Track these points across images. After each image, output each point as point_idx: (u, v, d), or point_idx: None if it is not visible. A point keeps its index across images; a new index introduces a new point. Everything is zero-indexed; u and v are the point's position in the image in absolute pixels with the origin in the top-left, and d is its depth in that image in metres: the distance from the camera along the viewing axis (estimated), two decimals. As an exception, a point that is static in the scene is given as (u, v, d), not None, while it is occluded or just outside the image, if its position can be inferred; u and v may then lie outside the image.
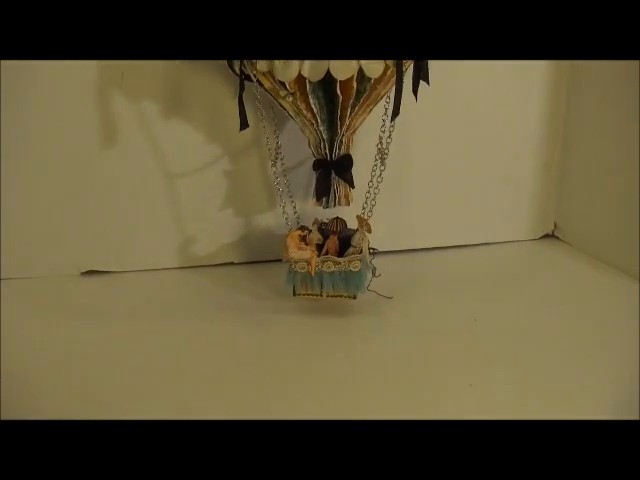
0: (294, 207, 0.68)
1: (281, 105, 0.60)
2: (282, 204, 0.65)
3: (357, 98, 0.57)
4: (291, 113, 0.60)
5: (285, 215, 0.65)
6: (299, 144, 0.65)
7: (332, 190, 0.61)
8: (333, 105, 0.58)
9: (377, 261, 0.64)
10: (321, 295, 0.63)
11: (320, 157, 0.61)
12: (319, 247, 0.63)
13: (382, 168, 0.60)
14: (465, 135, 0.78)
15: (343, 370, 0.55)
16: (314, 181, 0.62)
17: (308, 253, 0.61)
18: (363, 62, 0.53)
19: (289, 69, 0.54)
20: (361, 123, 0.61)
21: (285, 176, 0.66)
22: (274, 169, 0.64)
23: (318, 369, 0.55)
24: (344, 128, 0.59)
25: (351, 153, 0.62)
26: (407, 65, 0.57)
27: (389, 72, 0.55)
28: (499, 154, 0.79)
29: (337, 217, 0.64)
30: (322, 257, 0.62)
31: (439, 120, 0.76)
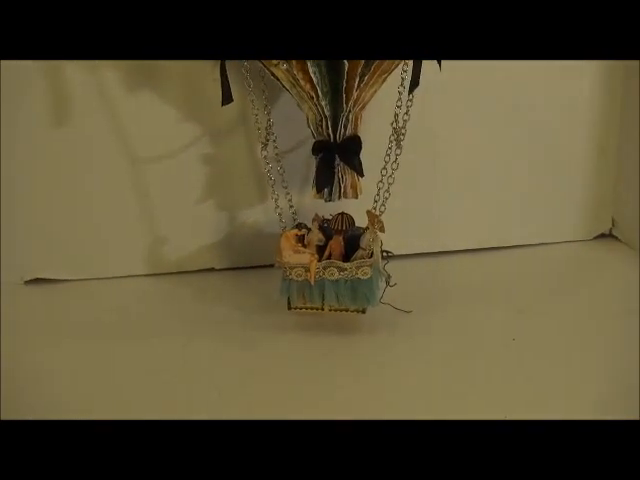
0: (289, 200, 0.68)
1: (273, 74, 0.59)
2: (274, 196, 0.64)
3: (367, 65, 0.57)
4: (285, 84, 0.59)
5: (278, 210, 0.64)
6: (295, 122, 0.64)
7: (336, 179, 0.61)
8: (337, 74, 0.57)
9: (392, 267, 0.64)
10: (322, 309, 0.63)
11: (321, 138, 0.61)
12: (320, 249, 0.63)
13: (398, 152, 0.61)
14: (501, 113, 0.76)
15: (350, 403, 0.54)
16: (314, 168, 0.62)
17: (307, 257, 0.61)
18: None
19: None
20: (372, 96, 0.60)
21: (278, 162, 0.66)
22: (265, 153, 0.63)
23: (319, 401, 0.55)
24: (351, 103, 0.59)
25: (360, 133, 0.61)
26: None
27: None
28: (545, 138, 0.78)
29: (342, 213, 0.63)
30: (324, 262, 0.61)
31: (470, 94, 0.75)
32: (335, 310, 0.63)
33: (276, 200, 0.64)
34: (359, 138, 0.61)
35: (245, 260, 0.79)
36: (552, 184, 0.79)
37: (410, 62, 0.57)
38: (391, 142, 0.61)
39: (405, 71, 0.59)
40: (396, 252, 0.65)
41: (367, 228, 0.62)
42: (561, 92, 0.76)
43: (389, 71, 0.59)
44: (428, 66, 0.56)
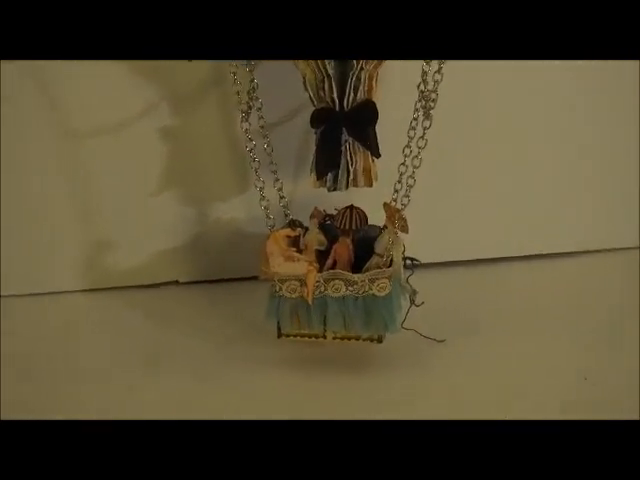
0: (279, 189, 0.66)
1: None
2: (259, 184, 0.63)
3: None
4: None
5: (264, 203, 0.63)
6: (288, 84, 0.63)
7: (343, 161, 0.60)
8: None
9: (418, 280, 0.63)
10: (324, 337, 0.63)
11: (323, 105, 0.59)
12: (322, 256, 0.62)
13: (427, 124, 0.59)
14: (558, 106, 0.77)
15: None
16: (313, 146, 0.61)
17: (303, 266, 0.60)
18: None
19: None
20: (391, 50, 0.60)
21: (265, 137, 0.64)
22: (246, 126, 0.62)
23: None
24: (363, 58, 0.57)
25: (375, 99, 0.60)
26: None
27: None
28: (610, 137, 0.79)
29: (351, 206, 0.62)
30: (326, 273, 0.60)
31: (527, 77, 0.75)
32: (341, 339, 0.63)
33: (261, 189, 0.63)
34: (374, 105, 0.59)
35: (219, 271, 0.79)
36: (613, 182, 0.81)
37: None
38: (417, 111, 0.59)
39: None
40: (423, 260, 0.64)
41: (385, 227, 0.61)
42: (629, 89, 0.78)
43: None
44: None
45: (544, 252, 0.82)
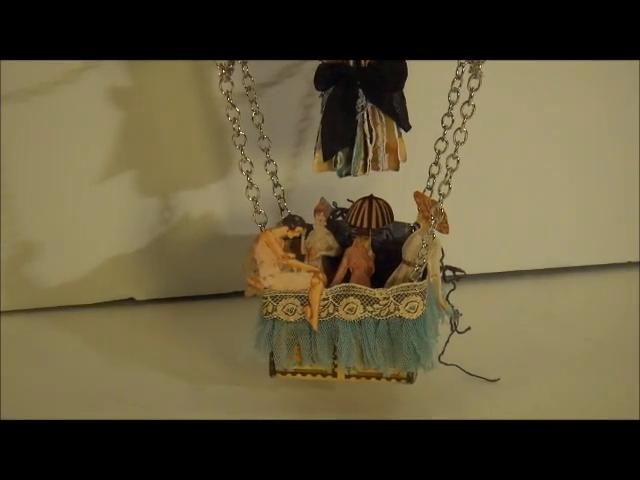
0: (272, 174, 0.67)
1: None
2: (245, 167, 0.63)
3: None
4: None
5: (252, 192, 0.63)
6: None
7: (360, 135, 0.60)
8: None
9: (461, 296, 0.63)
10: (334, 375, 0.63)
11: (332, 61, 0.60)
12: (331, 264, 0.63)
13: (474, 85, 0.58)
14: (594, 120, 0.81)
15: None
16: (319, 115, 0.61)
17: (305, 278, 0.61)
18: None
19: None
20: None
21: (253, 103, 0.65)
22: (226, 87, 0.61)
23: None
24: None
25: None
26: None
27: None
28: (604, 140, 0.83)
29: (371, 197, 0.62)
30: (337, 287, 0.61)
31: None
32: (357, 377, 0.62)
33: (248, 174, 0.62)
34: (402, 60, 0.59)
35: (188, 285, 0.80)
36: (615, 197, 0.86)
37: None
38: (462, 65, 0.59)
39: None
40: (469, 271, 0.65)
41: (416, 225, 0.62)
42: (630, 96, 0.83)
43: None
44: None
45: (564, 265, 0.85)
